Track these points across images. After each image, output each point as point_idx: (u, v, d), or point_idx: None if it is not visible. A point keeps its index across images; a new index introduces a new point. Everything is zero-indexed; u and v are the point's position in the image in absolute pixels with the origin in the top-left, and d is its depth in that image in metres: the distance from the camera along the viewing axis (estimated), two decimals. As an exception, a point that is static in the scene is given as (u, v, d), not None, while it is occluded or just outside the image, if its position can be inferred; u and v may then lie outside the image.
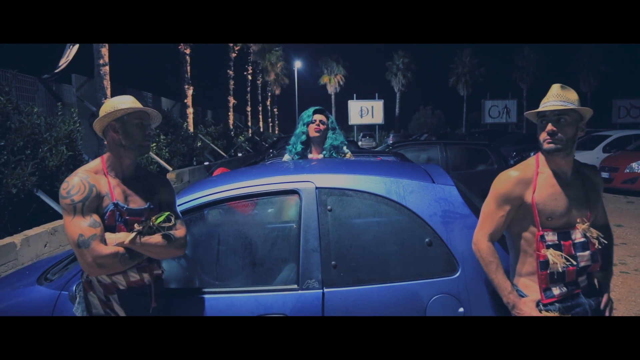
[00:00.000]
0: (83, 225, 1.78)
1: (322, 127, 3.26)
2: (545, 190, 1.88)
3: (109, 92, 9.65)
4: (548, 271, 1.84)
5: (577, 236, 1.87)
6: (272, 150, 12.82)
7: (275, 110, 46.63)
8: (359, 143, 25.99)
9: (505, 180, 1.91)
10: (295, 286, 2.05)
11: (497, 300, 1.93)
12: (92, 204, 1.82)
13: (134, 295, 1.87)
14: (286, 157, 3.38)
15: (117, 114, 1.89)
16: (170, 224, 1.92)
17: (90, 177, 1.86)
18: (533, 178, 1.90)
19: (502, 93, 35.82)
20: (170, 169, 11.52)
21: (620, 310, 4.18)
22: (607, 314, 1.98)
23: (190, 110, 16.52)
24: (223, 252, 2.22)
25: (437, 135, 26.96)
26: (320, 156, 3.28)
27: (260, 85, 35.48)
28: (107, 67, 9.70)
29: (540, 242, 1.85)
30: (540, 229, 1.86)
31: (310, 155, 3.32)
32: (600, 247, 1.88)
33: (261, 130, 32.21)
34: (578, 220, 1.88)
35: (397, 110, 49.71)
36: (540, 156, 1.95)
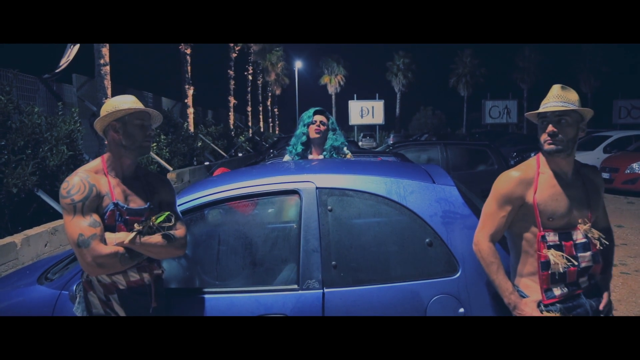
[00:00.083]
0: (83, 225, 1.78)
1: (322, 128, 3.26)
2: (546, 191, 1.88)
3: (109, 92, 9.65)
4: (549, 272, 1.84)
5: (579, 237, 1.87)
6: (273, 150, 12.82)
7: (275, 110, 46.66)
8: (360, 143, 25.97)
9: (507, 181, 1.91)
10: (296, 286, 2.04)
11: (497, 301, 1.93)
12: (92, 203, 1.82)
13: (134, 295, 1.87)
14: (286, 157, 3.38)
15: (118, 114, 1.89)
16: (170, 224, 1.91)
17: (90, 176, 1.86)
18: (534, 178, 1.90)
19: (503, 93, 35.80)
20: (171, 168, 11.53)
21: (621, 310, 4.18)
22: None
23: (190, 110, 16.53)
24: (223, 252, 2.22)
25: (437, 136, 26.95)
26: (321, 157, 3.28)
27: (260, 85, 35.49)
28: (108, 67, 9.70)
29: (542, 243, 1.85)
30: (542, 229, 1.86)
31: (310, 156, 3.32)
32: (601, 247, 1.88)
33: (261, 130, 32.22)
34: (579, 221, 1.88)
35: (397, 110, 49.71)
36: (541, 157, 1.95)
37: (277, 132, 43.06)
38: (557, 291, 1.85)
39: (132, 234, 1.82)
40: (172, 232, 1.92)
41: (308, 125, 3.28)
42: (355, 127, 33.20)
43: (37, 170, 6.36)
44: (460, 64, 45.57)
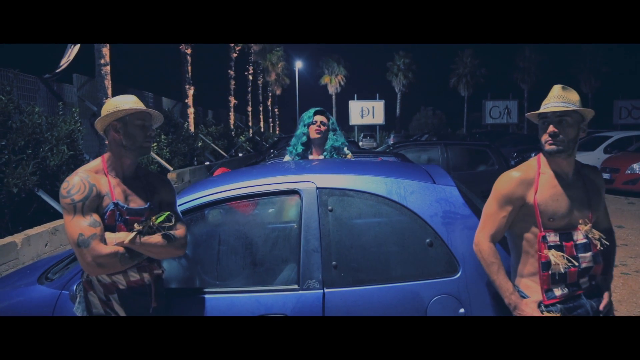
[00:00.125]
0: (83, 225, 1.77)
1: (322, 128, 3.26)
2: (546, 191, 1.88)
3: (110, 91, 9.66)
4: (550, 272, 1.83)
5: (579, 237, 1.86)
6: (273, 150, 12.82)
7: (276, 110, 46.66)
8: (360, 143, 25.98)
9: (507, 181, 1.91)
10: (296, 286, 2.04)
11: (498, 301, 1.93)
12: (92, 203, 1.82)
13: (134, 295, 1.87)
14: (287, 158, 3.38)
15: (119, 114, 1.89)
16: (171, 224, 1.91)
17: (90, 176, 1.86)
18: (535, 179, 1.90)
19: (503, 94, 35.79)
20: (171, 168, 11.53)
21: (622, 311, 4.18)
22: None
23: (191, 110, 16.53)
24: (224, 252, 2.22)
25: (437, 136, 26.96)
26: (321, 157, 3.28)
27: (261, 85, 35.50)
28: (108, 67, 9.71)
29: (542, 243, 1.85)
30: (542, 229, 1.86)
31: (310, 157, 3.32)
32: (602, 248, 1.87)
33: (262, 130, 32.22)
34: (580, 221, 1.88)
35: (398, 110, 49.72)
36: (542, 157, 1.94)
37: (277, 132, 43.06)
38: (557, 292, 1.85)
39: (132, 234, 1.82)
40: (172, 232, 1.92)
41: (308, 125, 3.27)
42: (356, 127, 33.21)
43: (37, 170, 6.36)
44: (461, 64, 45.57)
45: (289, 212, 2.27)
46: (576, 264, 1.83)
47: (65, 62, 10.14)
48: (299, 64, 43.60)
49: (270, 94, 42.39)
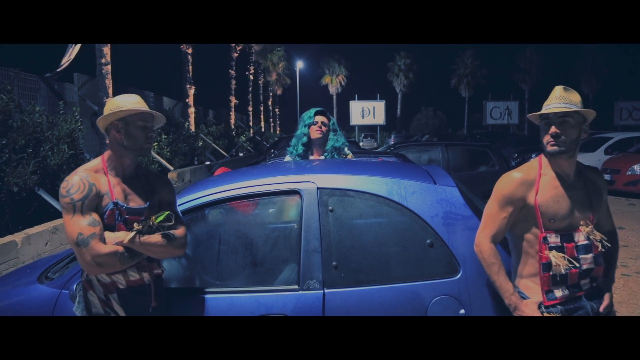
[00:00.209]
0: (82, 224, 1.77)
1: (324, 128, 3.25)
2: (547, 192, 1.87)
3: (110, 91, 9.65)
4: (550, 273, 1.83)
5: (580, 239, 1.86)
6: (274, 150, 12.82)
7: (276, 110, 46.68)
8: (361, 144, 25.95)
9: (508, 182, 1.91)
10: (296, 286, 2.04)
11: (498, 302, 1.92)
12: (92, 202, 1.81)
13: (133, 295, 1.87)
14: (287, 158, 3.37)
15: (121, 114, 1.88)
16: (170, 223, 1.91)
17: (90, 176, 1.85)
18: (536, 180, 1.89)
19: (504, 94, 35.76)
20: (172, 168, 11.53)
21: (622, 312, 4.17)
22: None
23: (191, 110, 16.53)
24: (224, 252, 2.22)
25: (438, 136, 26.92)
26: (322, 158, 3.27)
27: (262, 85, 35.51)
28: (109, 66, 9.70)
29: (543, 244, 1.84)
30: (543, 230, 1.85)
31: (311, 157, 3.31)
32: (603, 249, 1.87)
33: (262, 130, 32.23)
34: (581, 222, 1.87)
35: (398, 111, 49.70)
36: (543, 158, 1.94)
37: (278, 132, 43.08)
38: (558, 293, 1.85)
39: (132, 234, 1.82)
40: (172, 231, 1.91)
41: (309, 125, 3.26)
42: (356, 128, 33.19)
43: (38, 169, 6.36)
44: (462, 65, 45.56)
45: (290, 212, 2.27)
46: (577, 265, 1.82)
47: (66, 61, 10.14)
48: (300, 64, 43.62)
49: (271, 94, 42.40)
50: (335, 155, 3.27)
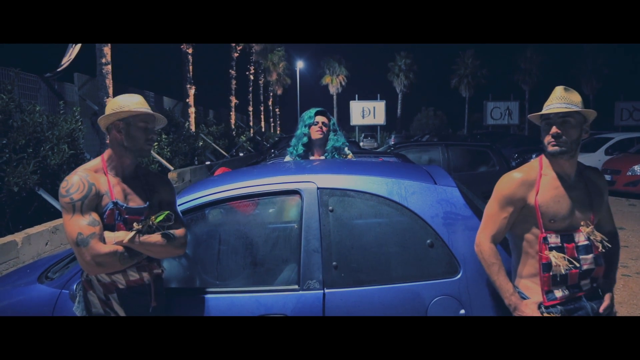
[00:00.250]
0: (82, 224, 1.77)
1: (324, 129, 3.24)
2: (548, 193, 1.87)
3: (111, 91, 9.65)
4: (550, 273, 1.83)
5: (581, 239, 1.86)
6: (274, 150, 12.82)
7: (277, 110, 46.69)
8: (361, 144, 25.96)
9: (508, 182, 1.91)
10: (296, 287, 2.04)
11: (498, 302, 1.92)
12: (91, 202, 1.81)
13: (133, 295, 1.87)
14: (287, 158, 3.37)
15: (123, 114, 1.88)
16: (170, 223, 1.91)
17: (89, 175, 1.85)
18: (536, 180, 1.89)
19: (504, 95, 35.75)
20: (172, 168, 11.54)
21: (622, 313, 4.17)
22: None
23: (192, 110, 16.53)
24: (224, 252, 2.21)
25: (438, 137, 26.93)
26: (322, 158, 3.27)
27: (262, 85, 35.51)
28: (110, 66, 9.70)
29: (543, 244, 1.84)
30: (543, 231, 1.85)
31: (311, 158, 3.30)
32: (604, 250, 1.87)
33: (263, 130, 32.23)
34: (582, 223, 1.87)
35: (399, 111, 49.70)
36: (544, 158, 1.94)
37: (278, 132, 43.10)
38: (558, 293, 1.85)
39: (132, 233, 1.82)
40: (171, 231, 1.91)
41: (310, 126, 3.25)
42: (357, 128, 33.21)
43: (38, 169, 6.37)
44: (462, 65, 45.56)
45: (290, 212, 2.27)
46: (577, 265, 1.82)
47: (66, 61, 10.14)
48: (300, 64, 43.62)
49: (271, 94, 42.41)
50: (336, 155, 3.27)
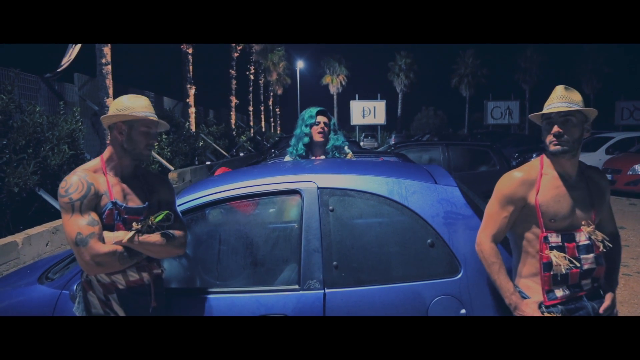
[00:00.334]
0: (81, 224, 1.77)
1: (326, 129, 3.22)
2: (548, 192, 1.87)
3: (111, 91, 9.65)
4: (551, 273, 1.82)
5: (582, 239, 1.85)
6: (274, 150, 12.82)
7: (277, 110, 46.68)
8: (361, 143, 25.95)
9: (509, 181, 1.90)
10: (297, 286, 2.04)
11: (499, 302, 1.92)
12: (90, 202, 1.81)
13: (133, 295, 1.87)
14: (287, 158, 3.35)
15: (126, 117, 1.88)
16: (170, 223, 1.91)
17: (88, 175, 1.85)
18: (537, 179, 1.89)
19: (505, 94, 35.81)
20: (172, 168, 11.54)
21: (623, 312, 4.16)
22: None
23: (192, 110, 16.52)
24: (224, 252, 2.21)
25: (439, 136, 26.94)
26: (323, 157, 3.26)
27: (262, 85, 35.51)
28: (110, 67, 9.69)
29: (544, 244, 1.84)
30: (544, 230, 1.85)
31: (312, 158, 3.29)
32: (604, 250, 1.86)
33: (263, 130, 32.23)
34: (583, 222, 1.87)
35: (399, 110, 49.69)
36: (545, 158, 1.94)
37: (278, 131, 43.07)
38: (558, 292, 1.84)
39: (131, 233, 1.82)
40: (171, 231, 1.91)
41: (311, 125, 3.22)
42: (357, 127, 33.24)
43: (38, 169, 6.37)
44: (462, 65, 45.58)
45: (290, 212, 2.27)
46: (578, 265, 1.82)
47: (66, 61, 10.14)
48: (300, 64, 43.63)
49: (271, 94, 42.39)
50: (336, 154, 3.26)
